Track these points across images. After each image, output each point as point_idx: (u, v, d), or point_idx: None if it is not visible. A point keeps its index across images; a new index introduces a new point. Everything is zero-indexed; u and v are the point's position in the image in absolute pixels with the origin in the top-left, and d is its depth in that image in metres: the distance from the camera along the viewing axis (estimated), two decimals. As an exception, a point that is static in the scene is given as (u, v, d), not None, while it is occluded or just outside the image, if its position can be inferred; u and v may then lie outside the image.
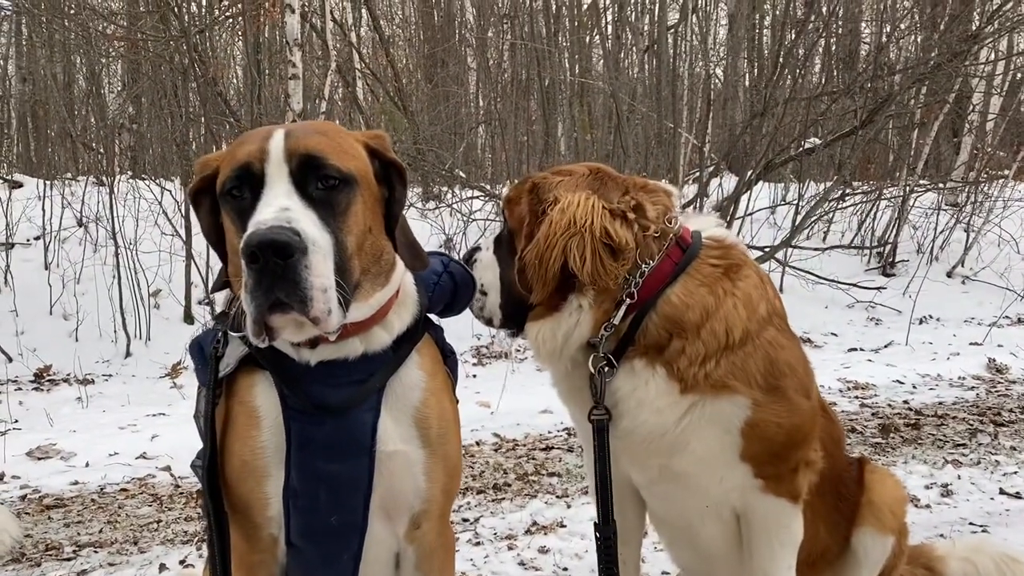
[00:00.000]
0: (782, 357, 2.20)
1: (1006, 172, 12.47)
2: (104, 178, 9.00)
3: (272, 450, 1.81)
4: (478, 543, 3.63)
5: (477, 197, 10.72)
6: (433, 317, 2.09)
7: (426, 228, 9.74)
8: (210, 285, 8.03)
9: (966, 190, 11.71)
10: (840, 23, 13.13)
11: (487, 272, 2.40)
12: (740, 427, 2.14)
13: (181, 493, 4.36)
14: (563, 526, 3.78)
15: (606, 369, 2.17)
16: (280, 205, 1.57)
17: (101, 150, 10.54)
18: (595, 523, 2.31)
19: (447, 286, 2.13)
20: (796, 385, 2.21)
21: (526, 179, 2.40)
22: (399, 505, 1.90)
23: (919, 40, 12.04)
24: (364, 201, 1.72)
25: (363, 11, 13.68)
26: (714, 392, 2.11)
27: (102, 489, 4.46)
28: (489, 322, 2.44)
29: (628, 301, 2.15)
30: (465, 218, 10.13)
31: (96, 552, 3.66)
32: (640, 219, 2.20)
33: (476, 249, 2.47)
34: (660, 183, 2.42)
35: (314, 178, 1.63)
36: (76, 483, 4.53)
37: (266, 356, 1.81)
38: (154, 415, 5.81)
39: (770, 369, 2.17)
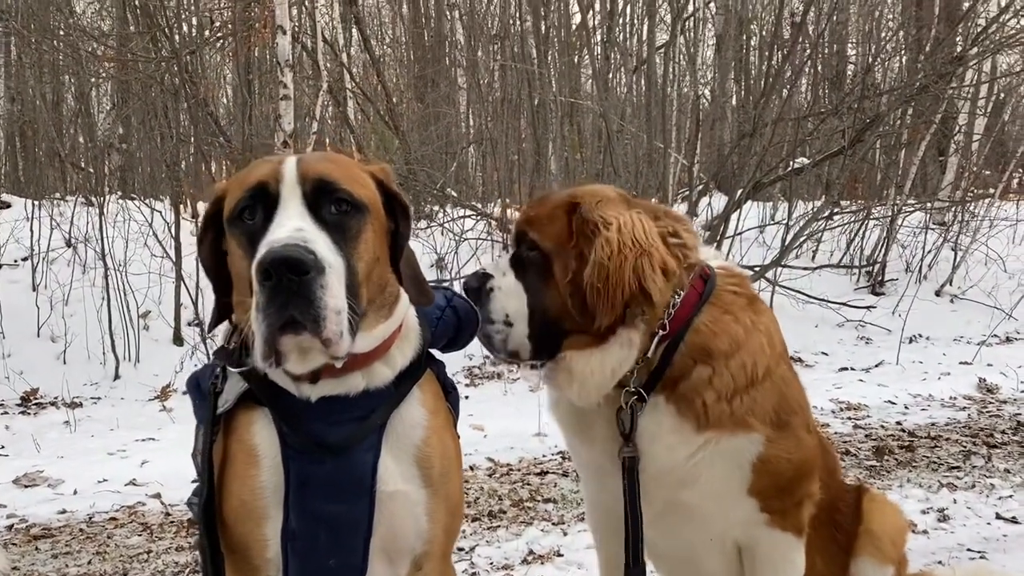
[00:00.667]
0: (791, 393, 2.22)
1: (992, 191, 12.59)
2: (93, 198, 8.95)
3: (271, 491, 1.77)
4: (474, 574, 3.59)
5: (468, 216, 10.72)
6: (435, 352, 2.07)
7: (418, 248, 9.70)
8: (200, 306, 7.99)
9: (953, 209, 11.80)
10: (827, 44, 13.26)
11: (511, 300, 2.19)
12: (752, 462, 2.14)
13: (172, 522, 4.30)
14: (560, 555, 3.74)
15: (637, 403, 2.12)
16: (294, 225, 1.57)
17: (90, 170, 10.48)
18: (626, 565, 2.20)
19: (450, 320, 2.09)
20: (802, 421, 2.23)
21: (547, 199, 2.29)
22: (400, 547, 1.87)
23: (905, 62, 12.17)
24: (374, 230, 1.73)
25: (354, 31, 13.72)
26: (732, 429, 2.10)
27: (90, 518, 4.39)
28: (514, 355, 2.21)
29: (661, 332, 2.11)
30: (457, 237, 10.13)
31: (85, 584, 3.60)
32: (681, 247, 2.19)
33: (487, 276, 2.24)
34: (676, 211, 2.41)
35: (328, 202, 1.64)
36: (64, 512, 4.47)
37: (265, 392, 1.79)
38: (143, 440, 5.74)
39: (782, 405, 2.17)
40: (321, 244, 1.56)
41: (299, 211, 1.61)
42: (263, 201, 1.64)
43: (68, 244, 8.95)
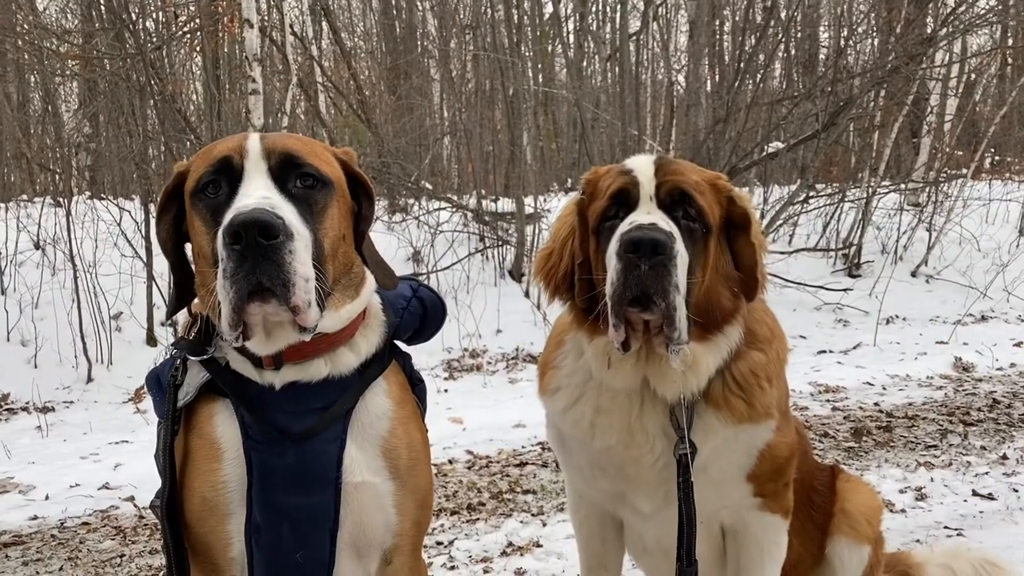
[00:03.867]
0: (784, 378, 2.22)
1: (964, 171, 12.70)
2: (61, 199, 8.79)
3: (234, 485, 1.74)
4: (453, 567, 3.55)
5: (444, 208, 10.65)
6: (401, 345, 2.03)
7: (393, 241, 9.64)
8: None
9: (927, 190, 11.88)
10: (799, 28, 13.29)
11: (684, 273, 1.89)
12: (761, 449, 2.13)
13: (145, 525, 4.22)
14: (539, 546, 3.71)
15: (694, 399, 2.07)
16: (261, 195, 1.57)
17: (58, 170, 10.31)
18: (678, 565, 2.14)
19: (416, 311, 2.05)
20: (789, 404, 2.24)
21: (686, 166, 2.06)
22: (369, 540, 1.83)
23: (876, 44, 12.23)
24: (339, 207, 1.73)
25: (323, 24, 13.58)
26: (764, 418, 2.09)
27: (62, 524, 4.31)
28: (679, 341, 1.91)
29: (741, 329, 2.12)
30: (432, 230, 10.06)
31: (56, 591, 3.53)
32: None
33: (673, 236, 1.87)
34: None
35: (293, 176, 1.65)
36: (35, 518, 4.37)
37: (227, 381, 1.76)
38: (117, 443, 5.65)
39: (785, 391, 2.21)
40: (288, 212, 1.56)
41: (265, 183, 1.61)
42: (227, 175, 1.63)
43: (36, 246, 8.80)
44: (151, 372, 1.95)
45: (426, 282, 2.24)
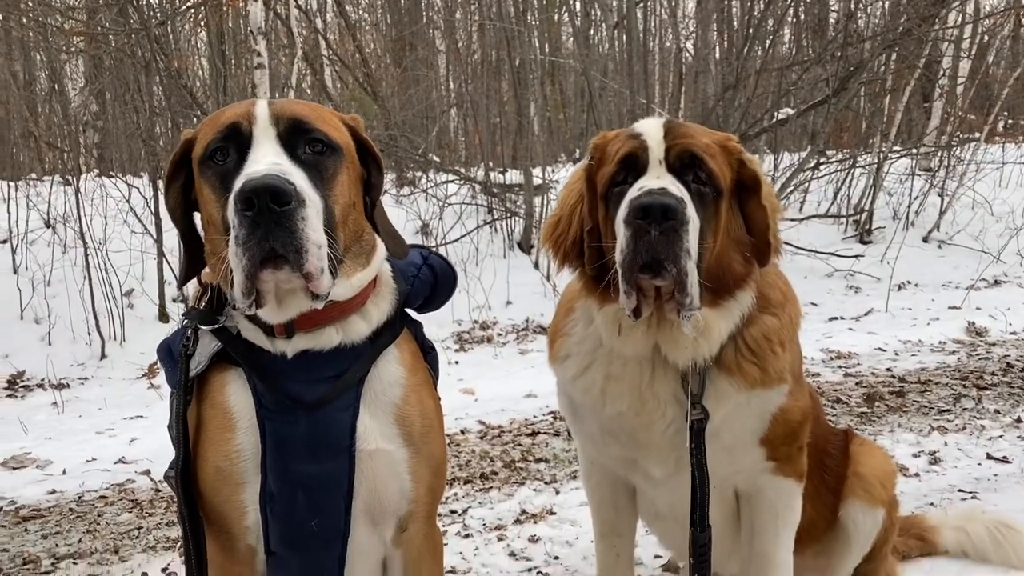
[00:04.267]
0: (798, 342, 2.21)
1: (977, 135, 12.54)
2: (70, 177, 8.80)
3: (248, 454, 1.75)
4: (467, 535, 3.58)
5: (452, 181, 10.61)
6: (412, 313, 2.02)
7: (401, 215, 9.62)
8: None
9: (939, 155, 11.75)
10: (809, -8, 13.09)
11: (696, 238, 1.86)
12: (774, 413, 2.12)
13: (161, 497, 4.27)
14: (552, 513, 3.73)
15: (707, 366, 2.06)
16: (272, 161, 1.56)
17: (66, 148, 10.31)
18: (691, 530, 2.15)
19: (427, 279, 2.04)
20: (802, 369, 2.24)
21: (695, 129, 2.04)
22: (384, 508, 1.84)
23: (887, 6, 12.03)
24: (348, 174, 1.71)
25: (328, -4, 13.47)
26: (777, 383, 2.08)
27: (80, 497, 4.35)
28: (691, 307, 1.89)
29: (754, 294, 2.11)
30: (441, 203, 10.03)
31: (75, 563, 3.56)
32: None
33: (683, 200, 1.84)
34: None
35: (302, 142, 1.63)
36: (53, 492, 4.42)
37: (239, 350, 1.75)
38: (132, 418, 5.70)
39: (798, 356, 2.20)
40: (299, 178, 1.54)
41: (274, 149, 1.59)
42: (236, 141, 1.61)
43: (47, 225, 8.83)
44: (162, 343, 1.95)
45: (436, 252, 2.22)
